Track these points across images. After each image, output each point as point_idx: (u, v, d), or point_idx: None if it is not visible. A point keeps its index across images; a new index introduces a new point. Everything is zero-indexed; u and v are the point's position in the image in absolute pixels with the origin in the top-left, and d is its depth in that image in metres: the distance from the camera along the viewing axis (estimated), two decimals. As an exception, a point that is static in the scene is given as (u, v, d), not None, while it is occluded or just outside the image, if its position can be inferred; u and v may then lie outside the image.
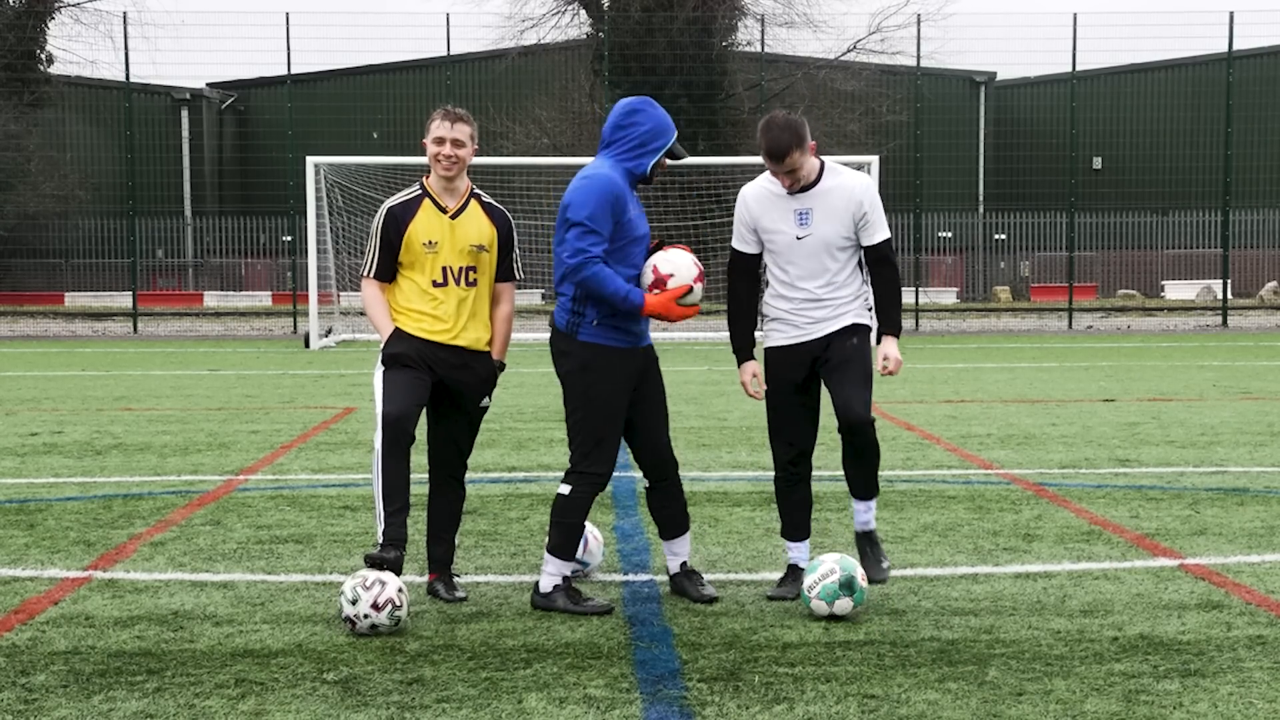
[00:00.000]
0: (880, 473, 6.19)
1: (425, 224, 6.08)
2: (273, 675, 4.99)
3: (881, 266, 6.08)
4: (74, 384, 17.36)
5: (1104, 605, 5.93)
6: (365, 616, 5.46)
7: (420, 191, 6.17)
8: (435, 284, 6.08)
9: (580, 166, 6.12)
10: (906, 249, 35.61)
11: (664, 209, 33.17)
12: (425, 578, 6.28)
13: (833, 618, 5.70)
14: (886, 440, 11.25)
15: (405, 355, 6.01)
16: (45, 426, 12.47)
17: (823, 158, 6.14)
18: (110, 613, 5.85)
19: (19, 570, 6.67)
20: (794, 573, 6.19)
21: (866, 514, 6.21)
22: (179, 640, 5.45)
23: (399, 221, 6.07)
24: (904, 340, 32.29)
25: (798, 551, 6.24)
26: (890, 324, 6.11)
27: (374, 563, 5.76)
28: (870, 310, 6.16)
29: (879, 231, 6.07)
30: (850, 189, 6.03)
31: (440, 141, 6.09)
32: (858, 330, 6.06)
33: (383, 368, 6.04)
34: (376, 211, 6.17)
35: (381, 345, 6.08)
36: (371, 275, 6.14)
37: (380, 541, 5.88)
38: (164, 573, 6.62)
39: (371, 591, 5.47)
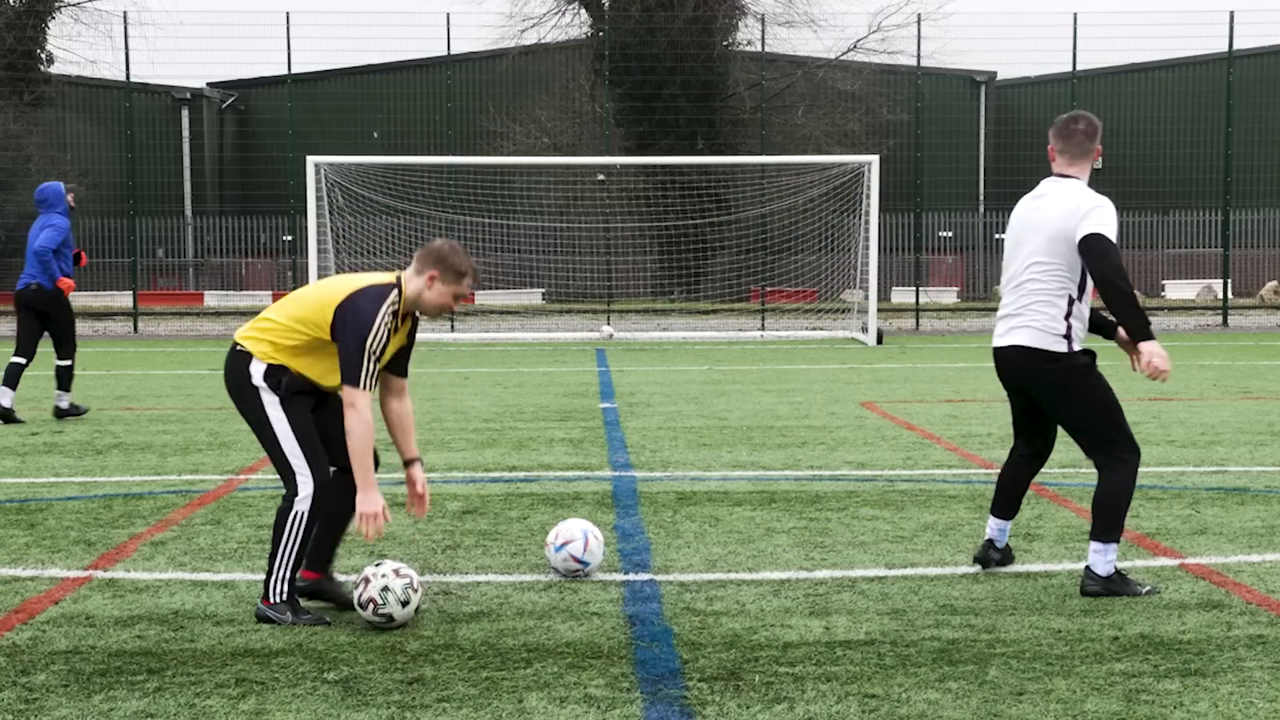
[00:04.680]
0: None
1: (393, 341, 5.79)
2: (273, 675, 4.99)
3: None
4: (74, 383, 17.31)
5: (1104, 605, 5.93)
6: (413, 605, 5.58)
7: (399, 303, 5.75)
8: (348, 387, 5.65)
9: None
10: (907, 248, 35.64)
11: (664, 208, 33.16)
12: (426, 576, 6.27)
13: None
14: (887, 440, 11.25)
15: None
16: (46, 426, 12.48)
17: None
18: (111, 612, 5.85)
19: (19, 570, 6.68)
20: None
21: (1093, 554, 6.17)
22: (179, 640, 5.45)
23: (390, 335, 5.72)
24: (904, 340, 31.81)
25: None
26: None
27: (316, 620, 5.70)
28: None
29: None
30: None
31: (458, 298, 5.83)
32: None
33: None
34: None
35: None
36: (371, 387, 5.69)
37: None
38: (164, 572, 6.62)
39: (419, 593, 5.60)
